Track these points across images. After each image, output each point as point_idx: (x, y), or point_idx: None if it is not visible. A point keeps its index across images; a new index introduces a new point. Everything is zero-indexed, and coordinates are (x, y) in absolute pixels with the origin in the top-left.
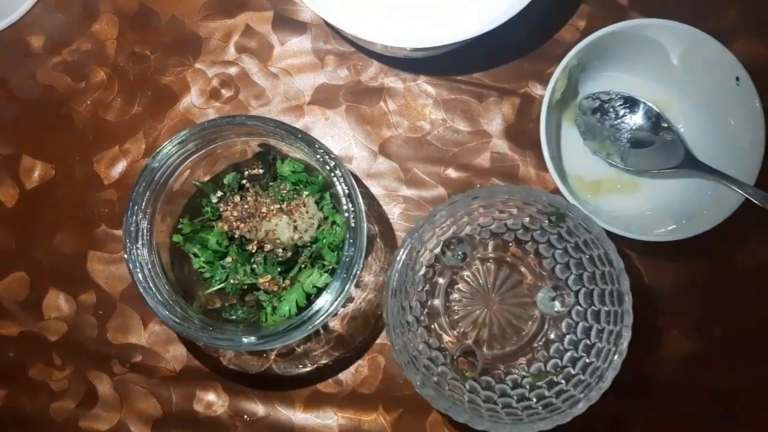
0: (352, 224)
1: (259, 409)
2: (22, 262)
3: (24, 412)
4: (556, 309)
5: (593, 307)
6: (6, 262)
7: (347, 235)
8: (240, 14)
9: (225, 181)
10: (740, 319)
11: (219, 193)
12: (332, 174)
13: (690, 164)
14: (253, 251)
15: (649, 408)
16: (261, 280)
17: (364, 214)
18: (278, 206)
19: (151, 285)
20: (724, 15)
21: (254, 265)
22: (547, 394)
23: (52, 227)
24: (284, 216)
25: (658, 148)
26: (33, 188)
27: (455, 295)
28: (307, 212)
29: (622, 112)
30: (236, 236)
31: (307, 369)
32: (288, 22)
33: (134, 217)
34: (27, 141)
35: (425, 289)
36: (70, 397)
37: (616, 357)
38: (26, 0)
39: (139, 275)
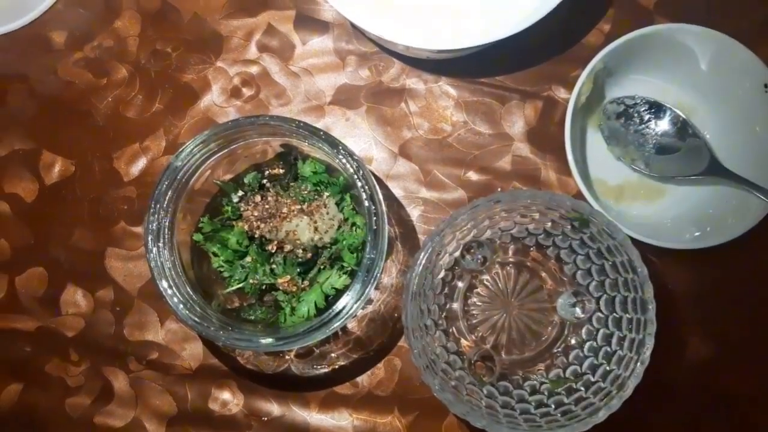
0: (374, 226)
1: (275, 409)
2: (41, 257)
3: (39, 407)
4: (576, 315)
5: (615, 314)
6: (24, 257)
7: (369, 237)
8: (262, 13)
9: (246, 181)
10: (763, 327)
11: (240, 193)
12: (355, 176)
13: (715, 171)
14: (273, 251)
15: (667, 414)
16: (280, 281)
17: (386, 216)
18: (299, 207)
19: (172, 284)
20: (753, 20)
21: (273, 266)
22: (566, 401)
23: (70, 223)
24: (305, 217)
25: (684, 154)
26: (52, 184)
27: (474, 299)
28: (327, 213)
29: (647, 118)
30: (256, 236)
31: (324, 370)
32: (310, 22)
33: (156, 216)
34: (47, 136)
35: (444, 292)
36: (86, 393)
37: (638, 365)
38: None
39: (160, 274)
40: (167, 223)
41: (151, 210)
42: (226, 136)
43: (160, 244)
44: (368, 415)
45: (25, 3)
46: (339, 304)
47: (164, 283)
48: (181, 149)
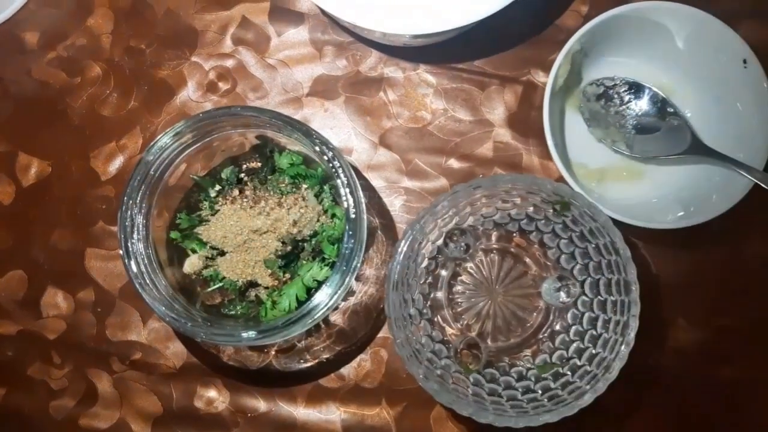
0: (352, 216)
1: (261, 405)
2: (20, 260)
3: (23, 411)
4: (561, 300)
5: (599, 297)
6: (3, 260)
7: (347, 228)
8: (236, 6)
9: (223, 176)
10: (748, 308)
11: (217, 188)
12: (331, 165)
13: (697, 150)
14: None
15: (654, 398)
16: None
17: (364, 205)
18: (277, 200)
19: (148, 281)
20: None
21: None
22: (552, 386)
23: (49, 225)
24: (283, 209)
25: (665, 134)
26: (30, 185)
27: (458, 287)
28: (306, 205)
29: (627, 98)
30: None
31: (309, 364)
32: (285, 13)
33: (129, 212)
34: (23, 138)
35: (428, 281)
36: (70, 396)
37: (623, 347)
38: None
39: (135, 271)
40: (141, 220)
41: (124, 207)
42: (199, 128)
43: (135, 240)
44: (356, 407)
45: None
46: (318, 296)
47: (140, 281)
48: (152, 143)
